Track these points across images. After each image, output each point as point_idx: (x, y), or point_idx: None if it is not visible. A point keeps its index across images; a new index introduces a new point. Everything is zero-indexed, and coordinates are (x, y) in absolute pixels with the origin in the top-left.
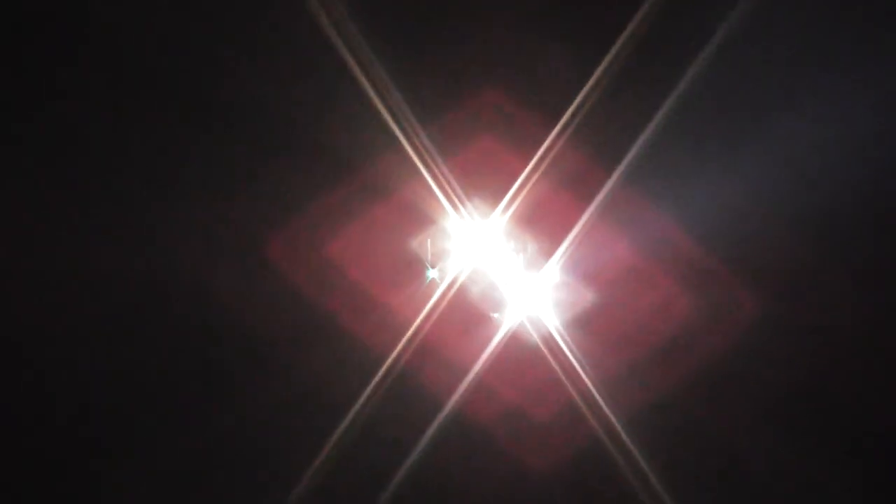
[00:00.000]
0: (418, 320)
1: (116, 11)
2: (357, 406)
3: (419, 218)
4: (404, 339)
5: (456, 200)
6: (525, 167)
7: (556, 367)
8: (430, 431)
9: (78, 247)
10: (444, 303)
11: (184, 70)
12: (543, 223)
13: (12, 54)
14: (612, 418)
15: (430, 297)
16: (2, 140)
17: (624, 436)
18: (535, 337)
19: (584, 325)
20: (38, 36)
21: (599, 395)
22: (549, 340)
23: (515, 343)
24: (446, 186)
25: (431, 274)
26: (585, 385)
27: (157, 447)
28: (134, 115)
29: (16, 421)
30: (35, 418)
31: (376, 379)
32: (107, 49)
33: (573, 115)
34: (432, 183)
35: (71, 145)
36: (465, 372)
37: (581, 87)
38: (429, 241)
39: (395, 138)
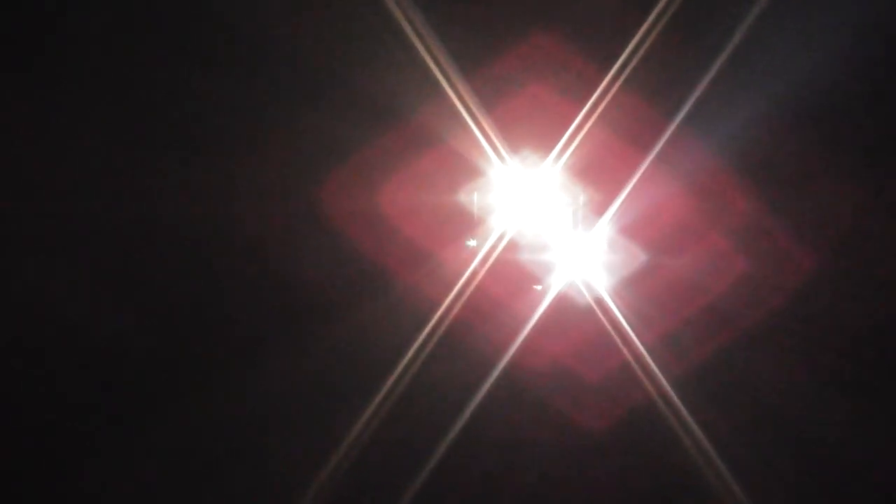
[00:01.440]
0: (466, 276)
1: None
2: (406, 361)
3: (466, 168)
4: (451, 296)
5: (503, 151)
6: (576, 116)
7: (608, 328)
8: (481, 391)
9: (130, 195)
10: (492, 260)
11: (229, 21)
12: (595, 175)
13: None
14: (663, 379)
15: (478, 254)
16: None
17: (674, 396)
18: (587, 297)
19: (636, 284)
20: None
21: (651, 356)
22: (601, 301)
23: (566, 303)
24: (493, 137)
25: (471, 243)
26: (636, 346)
27: (227, 383)
28: (182, 66)
29: (53, 380)
30: (75, 369)
31: (424, 335)
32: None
33: (625, 61)
34: (478, 133)
35: (116, 95)
36: (516, 332)
37: (634, 33)
38: (475, 196)
39: (441, 87)
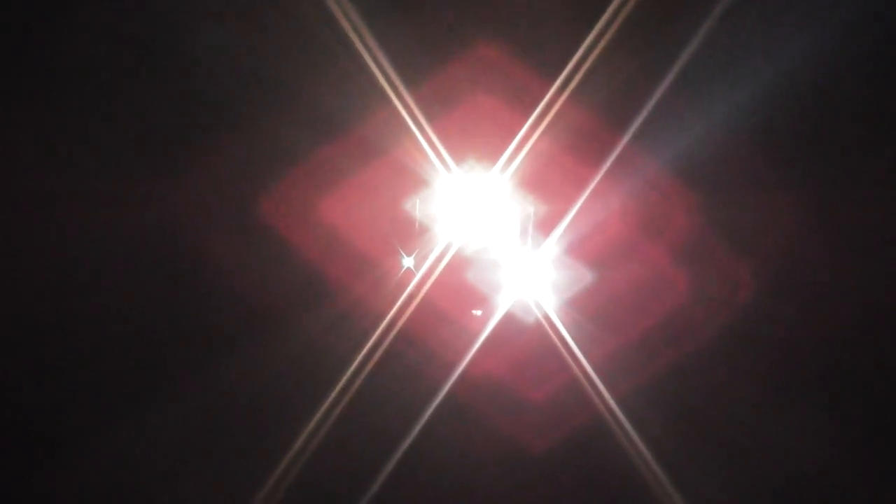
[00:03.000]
0: (409, 289)
1: None
2: (348, 376)
3: (411, 179)
4: (394, 311)
5: (448, 162)
6: (522, 127)
7: (553, 346)
8: (424, 410)
9: (71, 211)
10: (437, 273)
11: (174, 29)
12: (541, 188)
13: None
14: (610, 400)
15: (420, 268)
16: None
17: (621, 417)
18: (532, 314)
19: (582, 301)
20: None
21: (597, 376)
22: (547, 318)
23: (512, 320)
24: (438, 147)
25: (407, 262)
26: (582, 364)
27: (156, 410)
28: (125, 74)
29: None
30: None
31: (366, 350)
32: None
33: (571, 73)
34: (423, 143)
35: (66, 104)
36: (460, 349)
37: (580, 42)
38: (419, 207)
39: (386, 96)
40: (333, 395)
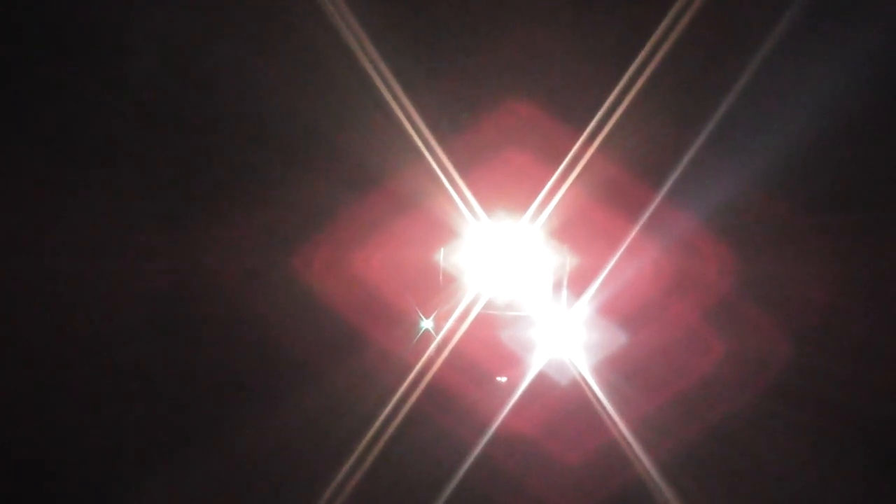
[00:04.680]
0: (440, 341)
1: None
2: (374, 431)
3: (444, 231)
4: (412, 377)
5: (478, 213)
6: (551, 178)
7: (588, 407)
8: (458, 474)
9: (106, 255)
10: (469, 326)
11: (209, 77)
12: (572, 240)
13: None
14: (647, 462)
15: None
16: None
17: (659, 479)
18: (567, 374)
19: (616, 364)
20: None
21: (633, 437)
22: (581, 379)
23: (545, 380)
24: (468, 198)
25: (425, 325)
26: (618, 428)
27: (189, 458)
28: (160, 121)
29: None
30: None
31: (392, 408)
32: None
33: (601, 122)
34: (454, 195)
35: (95, 153)
36: (494, 409)
37: (607, 94)
38: (451, 258)
39: (417, 150)
40: (360, 450)
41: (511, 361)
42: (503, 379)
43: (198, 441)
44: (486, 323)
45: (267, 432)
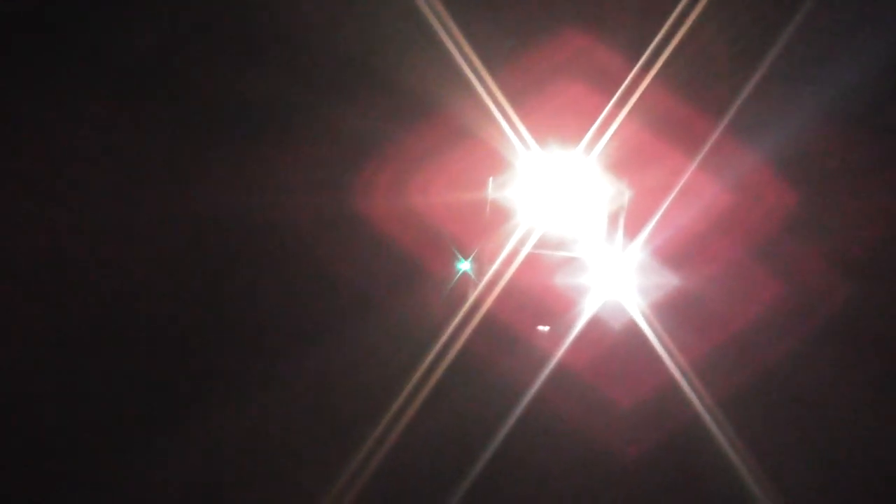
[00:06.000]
0: (493, 275)
1: None
2: (426, 367)
3: (498, 163)
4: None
5: (535, 146)
6: (610, 112)
7: (645, 351)
8: (514, 414)
9: (170, 195)
10: (521, 262)
11: (258, 10)
12: (627, 175)
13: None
14: (707, 400)
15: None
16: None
17: (719, 417)
18: (622, 317)
19: (670, 306)
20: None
21: (693, 375)
22: (637, 321)
23: (600, 323)
24: (520, 130)
25: (464, 267)
26: (678, 366)
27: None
28: (215, 62)
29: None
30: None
31: (444, 344)
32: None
33: (656, 50)
34: (506, 126)
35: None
36: (545, 355)
37: (663, 22)
38: (489, 192)
39: (468, 81)
40: (412, 384)
41: (565, 303)
42: (545, 328)
43: (273, 363)
44: (538, 263)
45: (333, 361)
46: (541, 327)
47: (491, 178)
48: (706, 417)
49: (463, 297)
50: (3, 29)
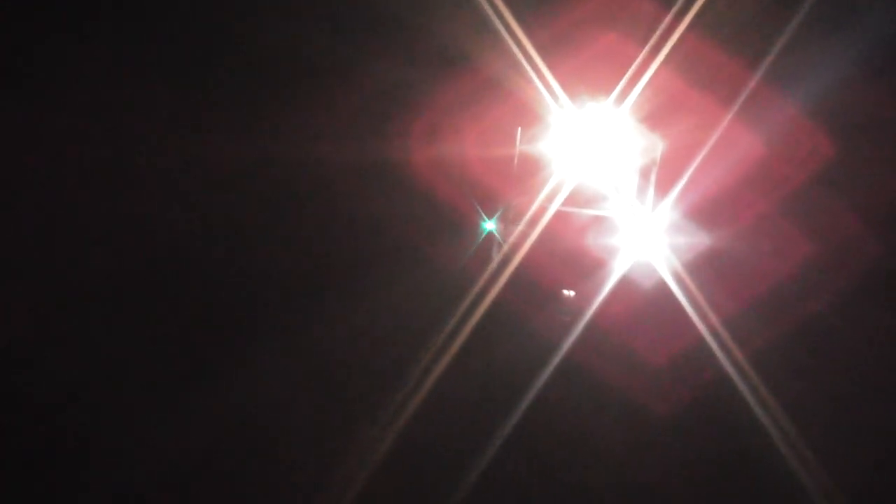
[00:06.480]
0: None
1: None
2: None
3: (531, 116)
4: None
5: (560, 96)
6: (636, 58)
7: (676, 310)
8: (547, 370)
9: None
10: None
11: None
12: (662, 125)
13: None
14: (732, 359)
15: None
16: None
17: (746, 375)
18: (653, 276)
19: (702, 264)
20: None
21: (721, 336)
22: (668, 282)
23: (632, 281)
24: (550, 81)
25: (487, 226)
26: (709, 324)
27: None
28: (249, 14)
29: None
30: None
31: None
32: None
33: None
34: (535, 78)
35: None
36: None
37: None
38: (517, 143)
39: (497, 30)
40: (444, 336)
41: (595, 262)
42: (571, 292)
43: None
44: (568, 221)
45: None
46: (566, 291)
47: (519, 129)
48: (736, 375)
49: (488, 257)
50: None
